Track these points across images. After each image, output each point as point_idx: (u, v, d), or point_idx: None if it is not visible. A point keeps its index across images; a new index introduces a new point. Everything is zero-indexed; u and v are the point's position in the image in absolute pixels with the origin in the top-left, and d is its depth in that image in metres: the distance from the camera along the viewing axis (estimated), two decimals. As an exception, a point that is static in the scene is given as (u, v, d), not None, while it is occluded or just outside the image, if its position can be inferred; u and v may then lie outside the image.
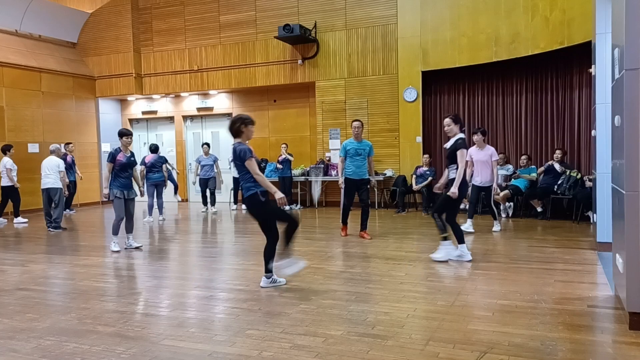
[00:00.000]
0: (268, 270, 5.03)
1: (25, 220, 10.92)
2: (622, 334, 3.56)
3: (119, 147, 7.33)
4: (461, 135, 5.94)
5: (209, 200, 12.21)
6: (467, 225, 8.09)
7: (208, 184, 12.03)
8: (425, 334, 3.65)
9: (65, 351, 3.51)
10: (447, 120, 6.01)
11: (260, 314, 4.21)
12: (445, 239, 5.95)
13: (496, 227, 8.21)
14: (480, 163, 8.23)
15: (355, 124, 7.72)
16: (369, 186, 7.82)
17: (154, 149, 10.83)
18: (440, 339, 3.53)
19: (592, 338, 3.58)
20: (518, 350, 3.29)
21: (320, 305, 4.39)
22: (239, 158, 4.87)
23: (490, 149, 8.32)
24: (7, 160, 10.55)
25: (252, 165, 4.85)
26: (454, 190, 5.78)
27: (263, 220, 4.99)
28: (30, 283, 5.52)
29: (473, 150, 8.30)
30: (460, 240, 5.97)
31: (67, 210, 12.95)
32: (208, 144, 12.25)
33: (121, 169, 7.24)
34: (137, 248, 7.43)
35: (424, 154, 11.40)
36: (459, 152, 5.81)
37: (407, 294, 4.67)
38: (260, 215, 4.98)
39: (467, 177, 8.41)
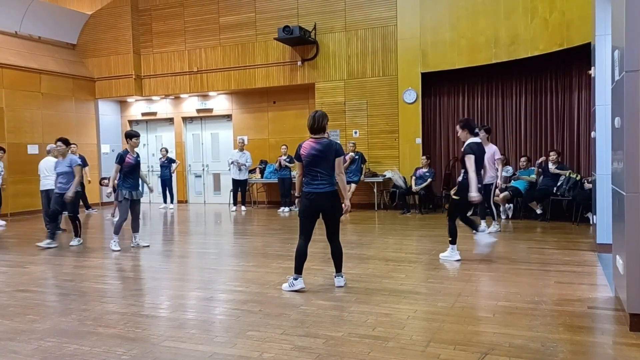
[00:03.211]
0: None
1: (3, 222, 10.85)
2: (622, 335, 3.56)
3: (126, 149, 7.41)
4: (472, 139, 6.12)
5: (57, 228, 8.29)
6: (484, 227, 7.61)
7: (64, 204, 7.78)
8: (426, 336, 3.65)
9: (66, 353, 3.50)
10: (457, 127, 6.35)
11: (261, 315, 4.21)
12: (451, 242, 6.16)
13: (494, 227, 8.13)
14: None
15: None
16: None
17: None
18: (441, 341, 3.54)
19: (592, 339, 3.59)
20: (519, 352, 3.30)
21: (320, 306, 4.39)
22: (337, 152, 4.85)
23: (492, 148, 8.29)
24: None
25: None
26: (472, 194, 5.86)
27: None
28: (30, 284, 5.51)
29: None
30: (453, 241, 6.19)
31: (90, 209, 13.01)
32: (65, 142, 7.89)
33: (130, 171, 7.34)
34: (145, 247, 7.51)
35: (423, 155, 11.40)
36: (465, 157, 6.01)
37: (408, 296, 4.68)
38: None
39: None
